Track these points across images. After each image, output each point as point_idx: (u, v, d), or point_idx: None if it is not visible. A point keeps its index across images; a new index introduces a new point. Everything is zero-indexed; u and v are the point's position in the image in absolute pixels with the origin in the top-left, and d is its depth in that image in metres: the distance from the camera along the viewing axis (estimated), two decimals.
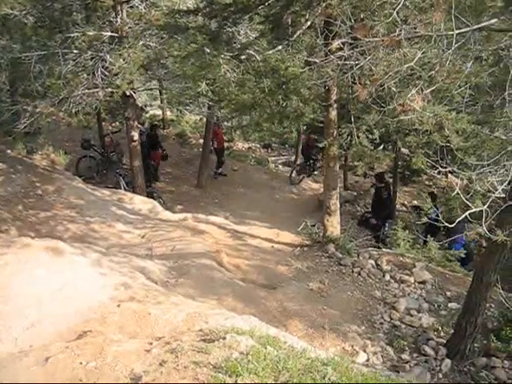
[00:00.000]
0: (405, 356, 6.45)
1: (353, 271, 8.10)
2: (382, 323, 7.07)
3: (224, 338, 3.74)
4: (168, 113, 19.46)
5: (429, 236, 9.67)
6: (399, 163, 13.48)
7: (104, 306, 5.05)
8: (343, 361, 3.65)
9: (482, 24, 4.88)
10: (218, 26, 7.87)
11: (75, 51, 9.75)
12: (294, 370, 3.29)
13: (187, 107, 13.22)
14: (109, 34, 9.91)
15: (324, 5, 6.60)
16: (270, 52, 7.34)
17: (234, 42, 8.32)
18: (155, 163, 14.25)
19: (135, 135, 10.96)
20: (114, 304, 5.10)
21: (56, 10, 9.85)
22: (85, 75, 9.88)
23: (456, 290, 7.97)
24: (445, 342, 6.69)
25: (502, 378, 6.26)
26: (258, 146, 20.39)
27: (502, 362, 6.45)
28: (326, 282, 7.65)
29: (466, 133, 6.28)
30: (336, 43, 6.87)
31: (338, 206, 9.00)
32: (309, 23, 7.31)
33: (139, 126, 12.08)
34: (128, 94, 10.14)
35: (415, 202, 14.46)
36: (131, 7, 10.30)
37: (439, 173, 5.60)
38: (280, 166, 17.99)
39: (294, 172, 16.02)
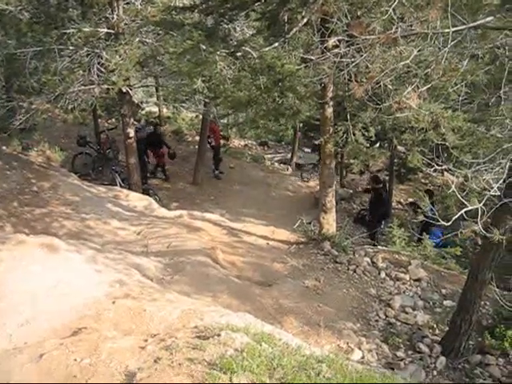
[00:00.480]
0: (400, 353, 6.47)
1: (348, 269, 8.11)
2: (377, 320, 7.09)
3: (219, 335, 3.73)
4: (164, 110, 19.42)
5: (424, 234, 9.70)
6: (395, 161, 13.51)
7: (99, 303, 5.02)
8: (338, 358, 3.66)
9: (478, 22, 4.90)
10: (214, 23, 7.84)
11: (71, 47, 9.72)
12: (289, 367, 3.29)
13: (183, 104, 13.19)
14: (105, 30, 9.88)
15: (320, 2, 6.59)
16: (267, 49, 7.33)
17: (230, 39, 8.29)
18: (159, 161, 14.26)
19: (131, 132, 10.94)
20: (109, 301, 5.08)
21: (52, 5, 9.80)
22: (81, 72, 9.83)
23: (451, 287, 7.99)
24: (440, 339, 6.71)
25: (496, 376, 6.30)
26: (255, 143, 20.37)
27: (497, 359, 6.49)
28: (322, 279, 7.66)
29: (462, 131, 6.31)
30: (332, 40, 6.86)
31: (334, 203, 9.02)
32: (305, 20, 7.29)
33: (135, 122, 12.04)
34: (124, 90, 10.11)
35: (410, 200, 14.48)
36: (127, 3, 10.26)
37: (435, 171, 5.60)
38: (276, 164, 17.98)
39: (304, 173, 16.05)
